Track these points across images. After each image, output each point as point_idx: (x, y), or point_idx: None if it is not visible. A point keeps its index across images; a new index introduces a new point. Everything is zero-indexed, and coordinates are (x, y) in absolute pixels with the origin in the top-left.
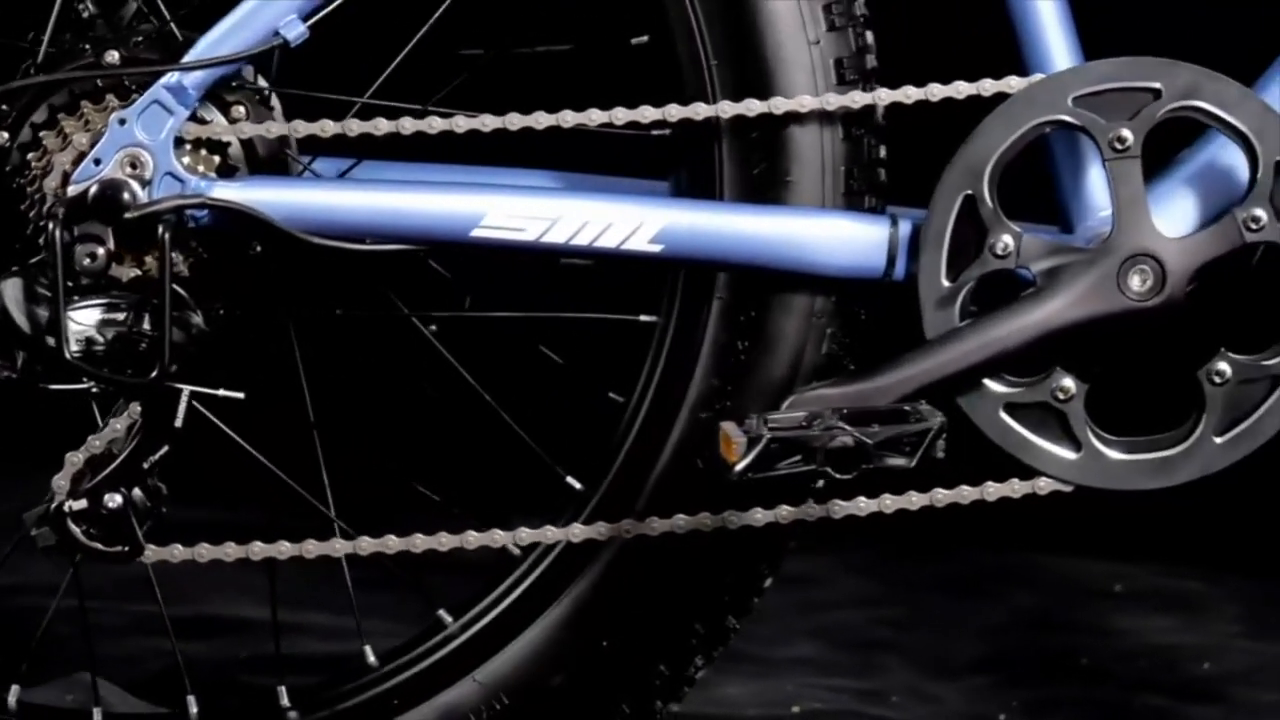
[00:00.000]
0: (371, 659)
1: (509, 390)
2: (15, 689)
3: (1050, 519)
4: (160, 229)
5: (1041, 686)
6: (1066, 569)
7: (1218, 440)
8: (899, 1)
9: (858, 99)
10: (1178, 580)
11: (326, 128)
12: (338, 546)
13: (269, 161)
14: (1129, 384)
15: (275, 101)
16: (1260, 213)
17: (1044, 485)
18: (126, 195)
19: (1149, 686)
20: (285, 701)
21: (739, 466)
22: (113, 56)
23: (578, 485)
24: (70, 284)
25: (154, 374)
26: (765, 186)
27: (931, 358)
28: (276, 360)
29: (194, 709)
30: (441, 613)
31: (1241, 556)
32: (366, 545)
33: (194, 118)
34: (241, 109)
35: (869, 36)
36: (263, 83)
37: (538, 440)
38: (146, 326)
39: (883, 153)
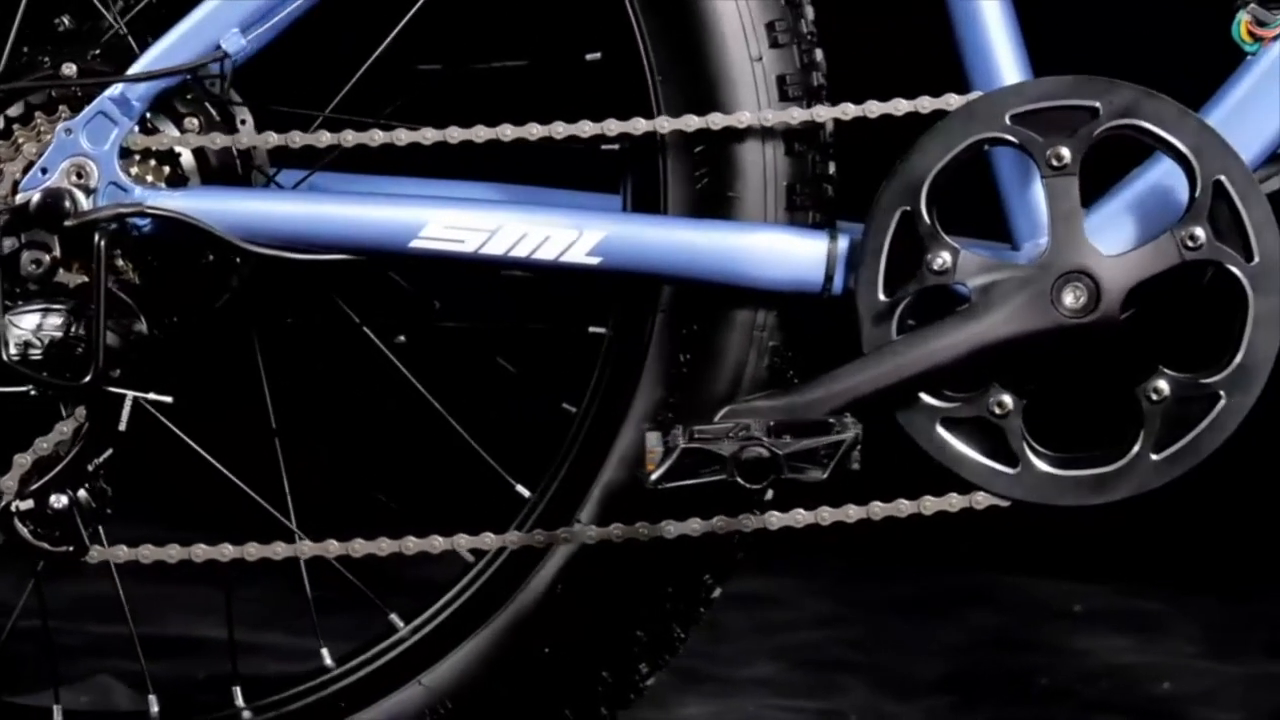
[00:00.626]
0: (328, 661)
1: (469, 400)
2: None
3: (1010, 539)
4: (96, 236)
5: (1002, 707)
6: (1026, 589)
7: (1155, 458)
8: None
9: (797, 115)
10: (1137, 600)
11: (270, 139)
12: (279, 549)
13: (224, 173)
14: (1068, 400)
15: (244, 114)
16: (1198, 231)
17: (981, 500)
18: (67, 203)
19: (1109, 707)
20: (240, 701)
21: (654, 476)
22: (70, 69)
23: (526, 493)
24: (17, 289)
25: (87, 378)
26: (707, 201)
27: (863, 372)
28: (231, 368)
29: (154, 709)
30: (393, 617)
31: (1201, 577)
32: (308, 549)
33: (146, 129)
34: (195, 121)
35: (816, 54)
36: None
37: (496, 449)
38: (82, 331)
39: (830, 168)
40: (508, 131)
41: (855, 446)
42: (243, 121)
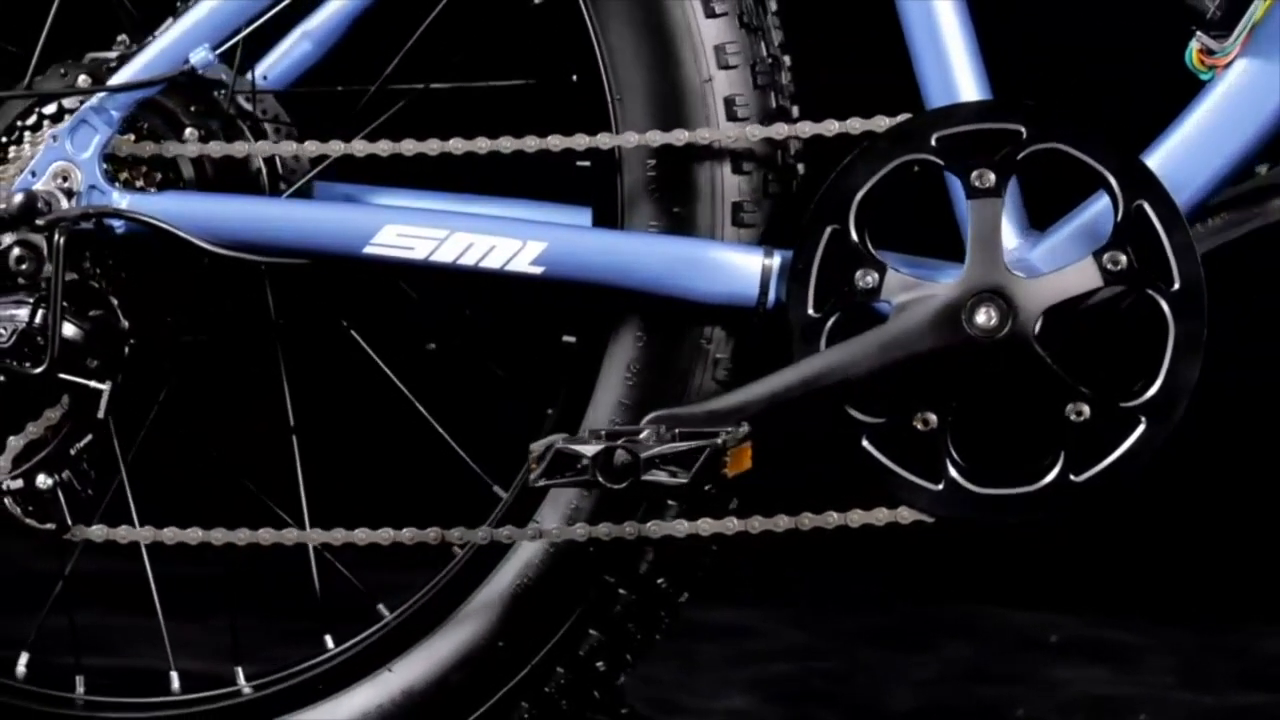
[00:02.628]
0: (330, 643)
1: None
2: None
3: (984, 569)
4: (56, 235)
5: None
6: (1001, 620)
7: (1075, 479)
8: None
9: (742, 133)
10: (1113, 631)
11: (263, 149)
12: (241, 535)
13: (225, 180)
14: (993, 419)
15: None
16: (1120, 256)
17: (906, 515)
18: (41, 204)
19: None
20: (242, 681)
21: (533, 476)
22: (84, 79)
23: (503, 494)
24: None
25: (42, 367)
26: (658, 216)
27: (779, 383)
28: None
29: (175, 684)
30: (380, 607)
31: (1175, 608)
32: (291, 536)
33: (142, 136)
34: (194, 130)
35: (776, 76)
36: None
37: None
38: (39, 323)
39: (783, 187)
40: (483, 144)
41: (720, 455)
42: (249, 130)
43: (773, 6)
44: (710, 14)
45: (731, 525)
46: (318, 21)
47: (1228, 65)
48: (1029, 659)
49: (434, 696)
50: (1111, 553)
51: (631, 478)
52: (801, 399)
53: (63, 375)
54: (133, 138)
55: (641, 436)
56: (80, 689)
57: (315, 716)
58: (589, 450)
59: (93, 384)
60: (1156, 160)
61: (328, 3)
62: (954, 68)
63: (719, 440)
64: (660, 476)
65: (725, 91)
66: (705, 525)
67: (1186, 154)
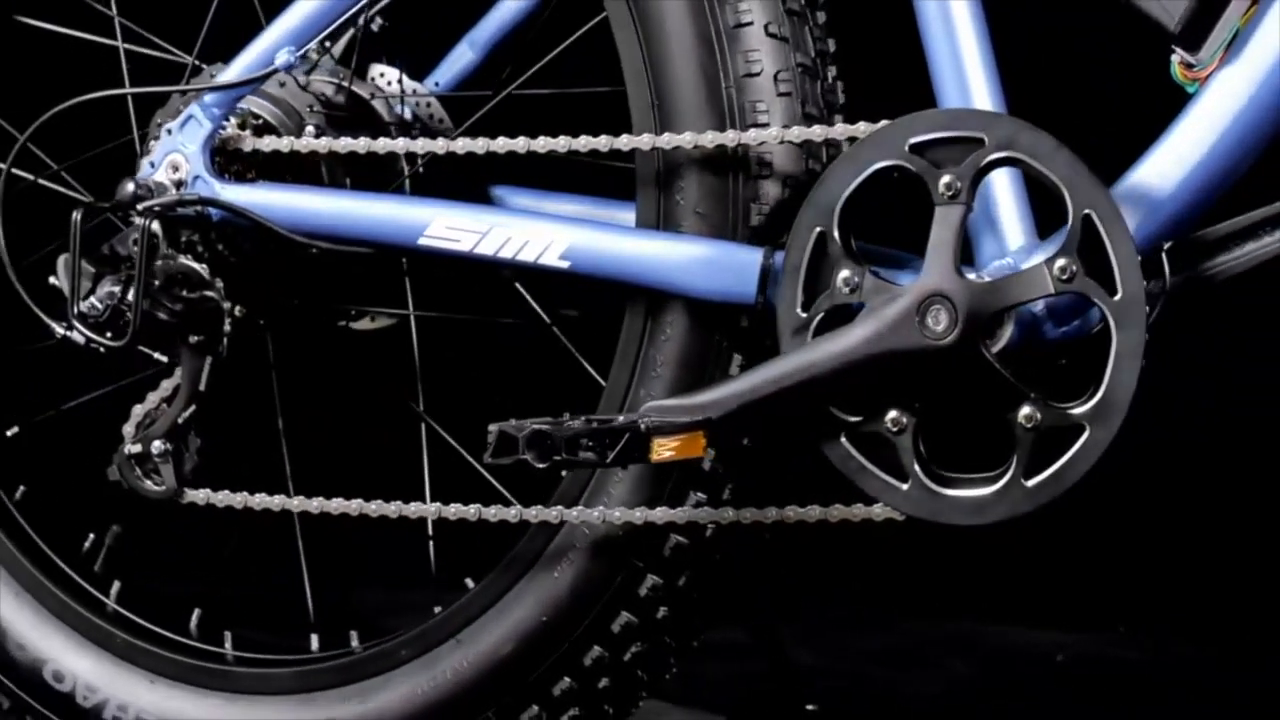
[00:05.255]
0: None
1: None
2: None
3: (990, 586)
4: (145, 220)
5: None
6: (1007, 639)
7: (1026, 484)
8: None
9: (757, 137)
10: (1118, 649)
11: (326, 145)
12: (334, 504)
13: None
14: (964, 422)
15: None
16: (1069, 263)
17: (879, 512)
18: (143, 191)
19: None
20: (355, 643)
21: (486, 455)
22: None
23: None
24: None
25: (125, 339)
26: (682, 215)
27: (752, 379)
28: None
29: (314, 645)
30: (468, 580)
31: (1182, 626)
32: (393, 509)
33: (256, 131)
34: (312, 127)
35: (803, 83)
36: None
37: None
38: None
39: (790, 190)
40: (542, 143)
41: (642, 439)
42: (317, 128)
43: (820, 19)
44: (737, 24)
45: (727, 515)
46: (478, 33)
47: (1208, 78)
48: (1035, 678)
49: (490, 665)
50: (1119, 570)
51: (556, 457)
52: (774, 396)
53: (142, 349)
54: (249, 132)
55: (573, 423)
56: (229, 645)
57: (403, 673)
58: (521, 432)
59: (157, 356)
60: (1144, 172)
61: (487, 17)
62: (969, 76)
63: (640, 426)
64: (589, 456)
65: (748, 97)
66: (704, 514)
67: (1172, 166)
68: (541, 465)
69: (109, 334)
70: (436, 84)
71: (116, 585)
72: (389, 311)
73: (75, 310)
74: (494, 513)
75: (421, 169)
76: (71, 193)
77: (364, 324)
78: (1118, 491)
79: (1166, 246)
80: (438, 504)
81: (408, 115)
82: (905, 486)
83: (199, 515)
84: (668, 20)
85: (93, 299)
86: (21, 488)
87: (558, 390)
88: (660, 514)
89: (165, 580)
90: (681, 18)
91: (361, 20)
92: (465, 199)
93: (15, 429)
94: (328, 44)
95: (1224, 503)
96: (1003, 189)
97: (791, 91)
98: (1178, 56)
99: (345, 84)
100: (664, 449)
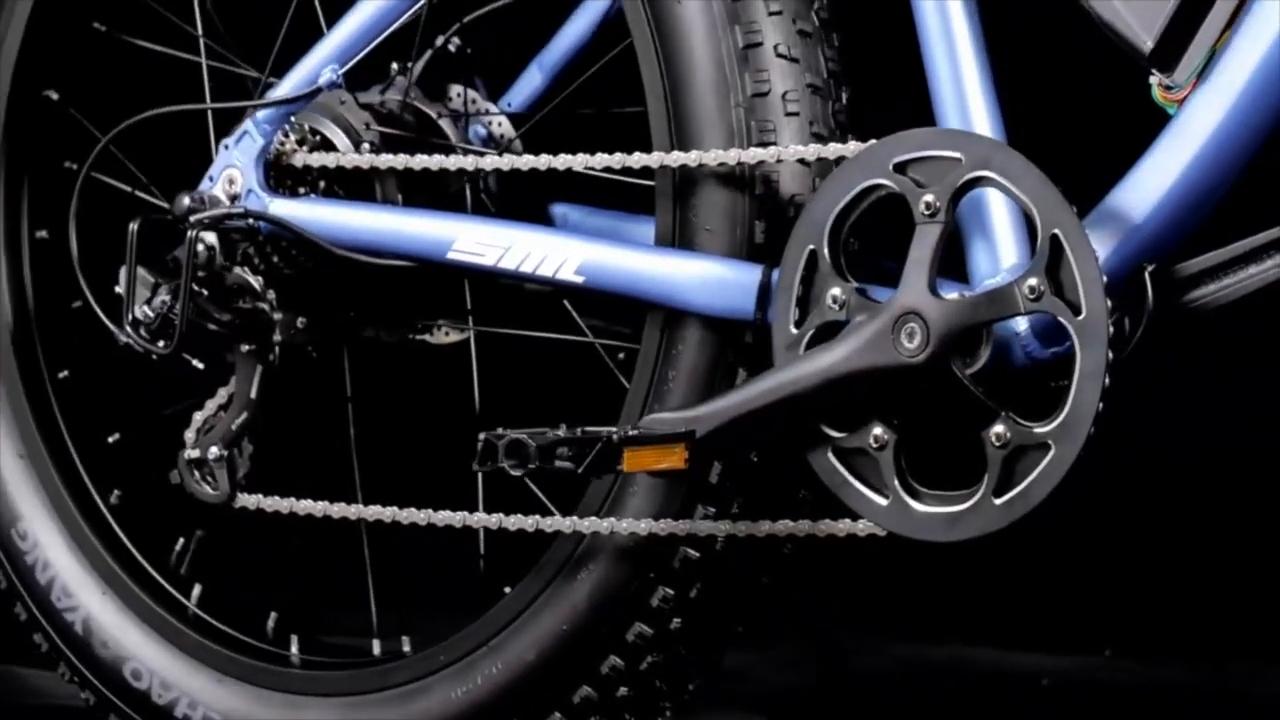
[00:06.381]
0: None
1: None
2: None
3: (979, 609)
4: (191, 232)
5: None
6: (994, 661)
7: (996, 501)
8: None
9: (762, 155)
10: (1105, 671)
11: (369, 160)
12: (388, 513)
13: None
14: (935, 439)
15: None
16: (1037, 283)
17: (863, 528)
18: (195, 204)
19: None
20: (407, 647)
21: (474, 464)
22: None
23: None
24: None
25: (170, 345)
26: (693, 232)
27: (740, 394)
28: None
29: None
30: (507, 589)
31: (1169, 647)
32: (442, 518)
33: (314, 147)
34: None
35: (812, 103)
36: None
37: None
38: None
39: (794, 208)
40: (562, 160)
41: (614, 449)
42: (371, 145)
43: (835, 40)
44: (748, 44)
45: (723, 528)
46: (545, 57)
47: (1185, 100)
48: (1023, 700)
49: (517, 672)
50: (1106, 592)
51: (532, 465)
52: (760, 411)
53: (185, 356)
54: (305, 148)
55: (556, 433)
56: (295, 648)
57: (441, 678)
58: (501, 441)
59: (194, 362)
60: (1123, 193)
61: (553, 41)
62: (967, 96)
63: (612, 436)
64: (565, 465)
65: (754, 117)
66: (704, 526)
67: (1150, 187)
68: (518, 473)
69: (161, 342)
70: (509, 105)
71: (198, 588)
72: (455, 325)
73: (130, 317)
74: (514, 522)
75: (484, 187)
76: (154, 200)
77: (438, 338)
78: (1104, 513)
79: (1149, 269)
80: (463, 512)
81: (480, 134)
82: (885, 502)
83: (268, 521)
84: (681, 41)
85: (145, 307)
86: (117, 492)
87: (608, 404)
88: (663, 525)
89: (236, 583)
90: (695, 38)
91: (439, 42)
92: (534, 219)
93: (117, 435)
94: (409, 65)
95: (1211, 524)
96: (998, 207)
97: (800, 111)
98: (1157, 78)
99: (411, 102)
100: (637, 459)
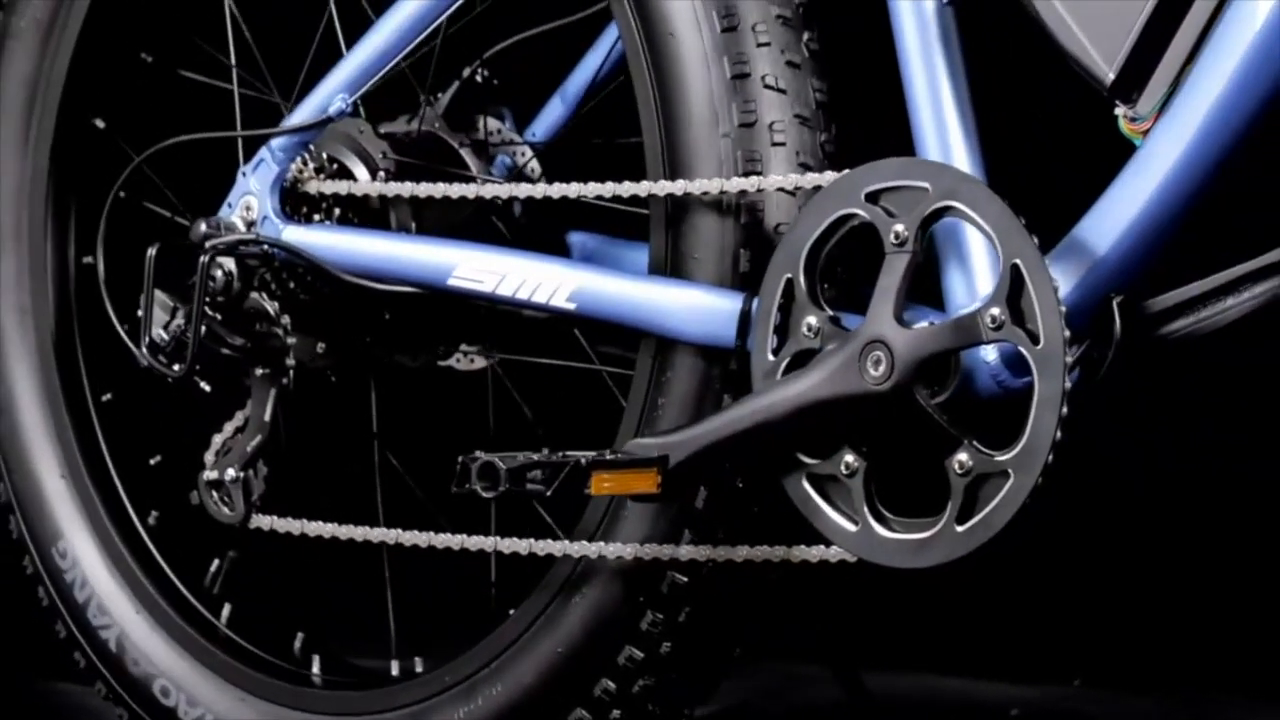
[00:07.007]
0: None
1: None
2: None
3: (948, 639)
4: (204, 257)
5: None
6: (963, 691)
7: (959, 528)
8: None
9: (746, 185)
10: (1076, 702)
11: (379, 189)
12: (392, 535)
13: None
14: (903, 467)
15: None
16: (998, 312)
17: (834, 554)
18: (212, 230)
19: None
20: (420, 668)
21: (452, 486)
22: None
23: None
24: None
25: (181, 367)
26: (682, 260)
27: (715, 421)
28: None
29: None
30: (512, 611)
31: (1140, 676)
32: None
33: (331, 175)
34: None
35: (799, 133)
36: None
37: None
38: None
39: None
40: (557, 189)
41: (582, 472)
42: (387, 173)
43: (823, 71)
44: (736, 75)
45: (703, 552)
46: (567, 88)
47: (1149, 131)
48: None
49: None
50: (1075, 622)
51: (503, 487)
52: (733, 438)
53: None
54: (321, 176)
55: (530, 457)
56: (316, 666)
57: (447, 699)
58: (474, 463)
59: (202, 384)
60: (1088, 224)
61: (573, 73)
62: (947, 127)
63: (581, 460)
64: (536, 488)
65: (740, 147)
66: (684, 550)
67: (1115, 218)
68: (489, 495)
69: (176, 365)
70: (534, 135)
71: (228, 608)
72: (472, 352)
73: (147, 340)
74: (509, 545)
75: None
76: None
77: (464, 365)
78: (1072, 541)
79: (1118, 299)
80: (461, 535)
81: (505, 164)
82: (855, 528)
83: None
84: (673, 71)
85: (162, 330)
86: (155, 513)
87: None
88: (649, 550)
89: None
90: (685, 68)
91: (465, 73)
92: (553, 248)
93: (159, 457)
94: (434, 95)
95: (1181, 555)
96: (973, 237)
97: (786, 141)
98: (1122, 110)
99: (434, 132)
100: (604, 483)
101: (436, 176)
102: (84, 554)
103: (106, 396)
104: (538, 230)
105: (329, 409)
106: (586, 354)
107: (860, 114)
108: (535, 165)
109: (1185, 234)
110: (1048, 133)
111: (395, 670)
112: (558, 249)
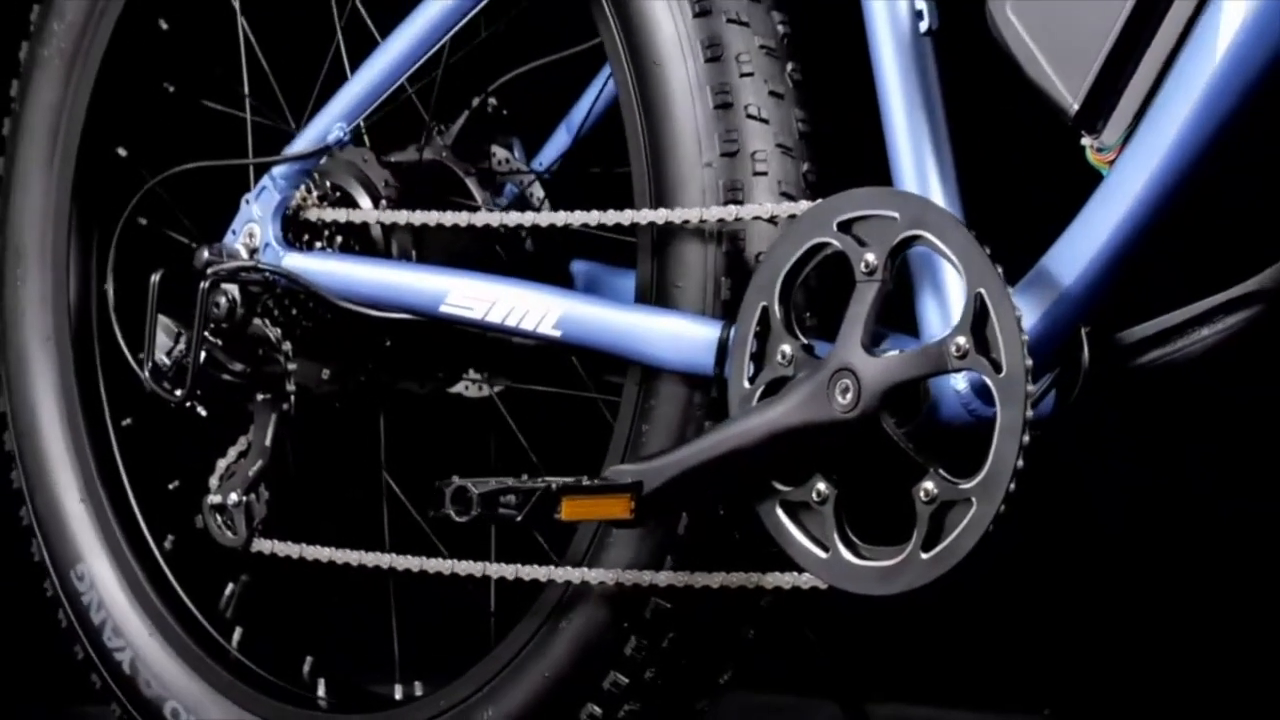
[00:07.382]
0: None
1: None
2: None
3: (918, 667)
4: (203, 284)
5: None
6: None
7: (924, 556)
8: None
9: (727, 214)
10: None
11: (378, 216)
12: (415, 563)
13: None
14: (874, 494)
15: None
16: (963, 340)
17: (806, 581)
18: (214, 257)
19: None
20: (419, 691)
21: (430, 510)
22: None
23: None
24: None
25: (181, 391)
26: (665, 289)
27: (689, 448)
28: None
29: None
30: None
31: (1109, 707)
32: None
33: (333, 202)
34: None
35: (781, 162)
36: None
37: None
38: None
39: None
40: (544, 218)
41: (551, 498)
42: (387, 200)
43: (807, 101)
44: (720, 105)
45: (682, 578)
46: (571, 118)
47: (1114, 161)
48: None
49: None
50: (1043, 652)
51: (475, 511)
52: (706, 465)
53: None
54: (324, 203)
55: (504, 483)
56: (321, 690)
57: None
58: (449, 488)
59: (199, 409)
60: (1056, 255)
61: (577, 104)
62: (925, 160)
63: (551, 486)
64: (507, 513)
65: (722, 176)
66: (663, 576)
67: (1082, 249)
68: (462, 519)
69: (178, 390)
70: (540, 164)
71: (239, 632)
72: (474, 379)
73: (150, 364)
74: (496, 570)
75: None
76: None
77: (472, 392)
78: (1043, 571)
79: (1086, 330)
80: (452, 560)
81: (512, 193)
82: (825, 555)
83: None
84: (659, 100)
85: (164, 355)
86: (171, 537)
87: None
88: (630, 576)
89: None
90: (670, 98)
91: (474, 102)
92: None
93: (177, 483)
94: (442, 125)
95: (1152, 586)
96: (947, 266)
97: (768, 171)
98: (1088, 140)
99: (441, 160)
100: (575, 509)
101: (438, 206)
102: (101, 577)
103: (126, 421)
104: (547, 259)
105: (336, 435)
106: (589, 381)
107: (839, 143)
108: (540, 194)
109: (1152, 263)
110: (1027, 161)
111: (398, 694)
112: (563, 277)
